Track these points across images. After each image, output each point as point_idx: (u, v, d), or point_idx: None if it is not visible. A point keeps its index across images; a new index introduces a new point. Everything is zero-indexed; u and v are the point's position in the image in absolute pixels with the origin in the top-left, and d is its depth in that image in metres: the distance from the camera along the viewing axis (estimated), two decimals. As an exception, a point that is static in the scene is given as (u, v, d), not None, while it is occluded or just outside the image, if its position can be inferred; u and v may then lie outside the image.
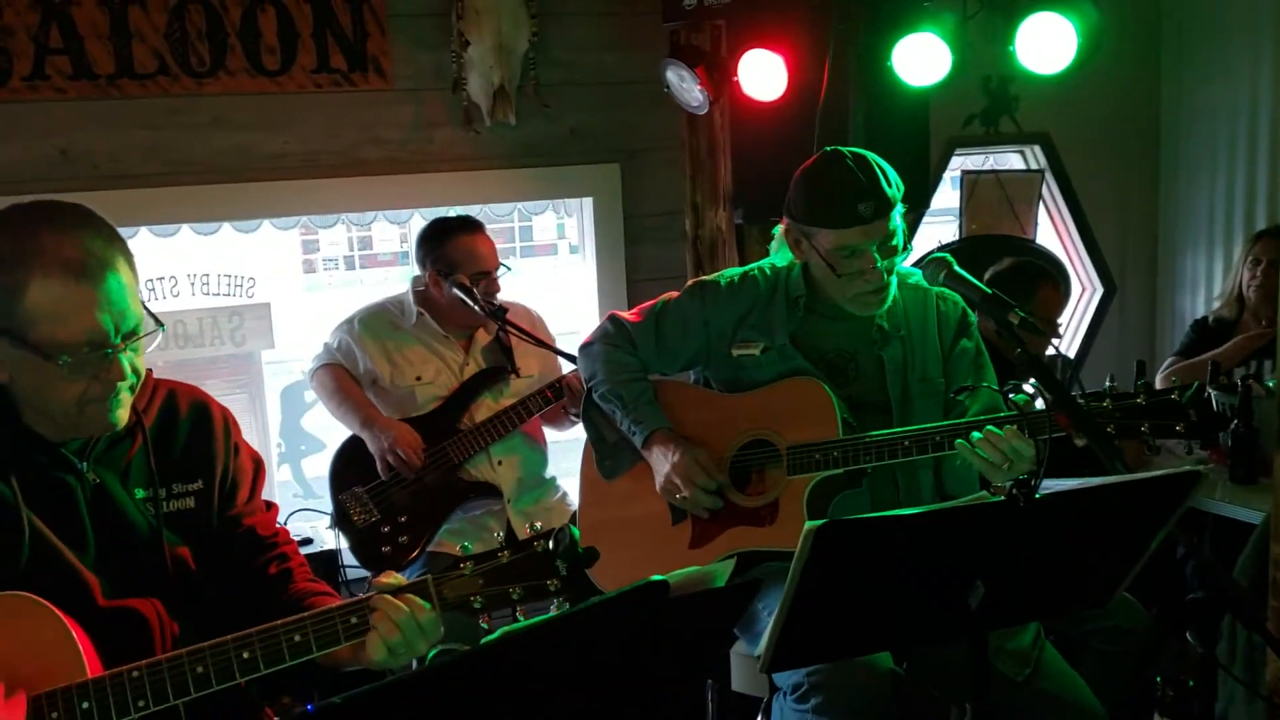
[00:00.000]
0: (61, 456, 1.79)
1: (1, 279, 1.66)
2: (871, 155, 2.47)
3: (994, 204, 4.53)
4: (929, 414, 2.54)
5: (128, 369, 1.75)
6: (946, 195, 5.00)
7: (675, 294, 2.74)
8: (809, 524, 1.56)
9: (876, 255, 2.43)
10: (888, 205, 2.42)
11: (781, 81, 3.48)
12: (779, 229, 2.63)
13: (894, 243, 2.45)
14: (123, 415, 1.80)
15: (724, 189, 3.99)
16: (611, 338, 2.74)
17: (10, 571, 1.70)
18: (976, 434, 2.27)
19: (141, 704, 1.67)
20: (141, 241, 3.77)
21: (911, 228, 3.86)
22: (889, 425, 2.51)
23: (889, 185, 2.43)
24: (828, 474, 2.46)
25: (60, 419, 1.77)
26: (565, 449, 3.78)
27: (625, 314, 2.80)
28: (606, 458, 2.76)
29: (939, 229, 5.26)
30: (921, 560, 1.67)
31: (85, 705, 1.65)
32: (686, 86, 3.65)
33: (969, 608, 1.69)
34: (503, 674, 1.20)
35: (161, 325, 1.80)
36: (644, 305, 2.78)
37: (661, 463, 2.59)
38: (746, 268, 2.72)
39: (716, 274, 2.75)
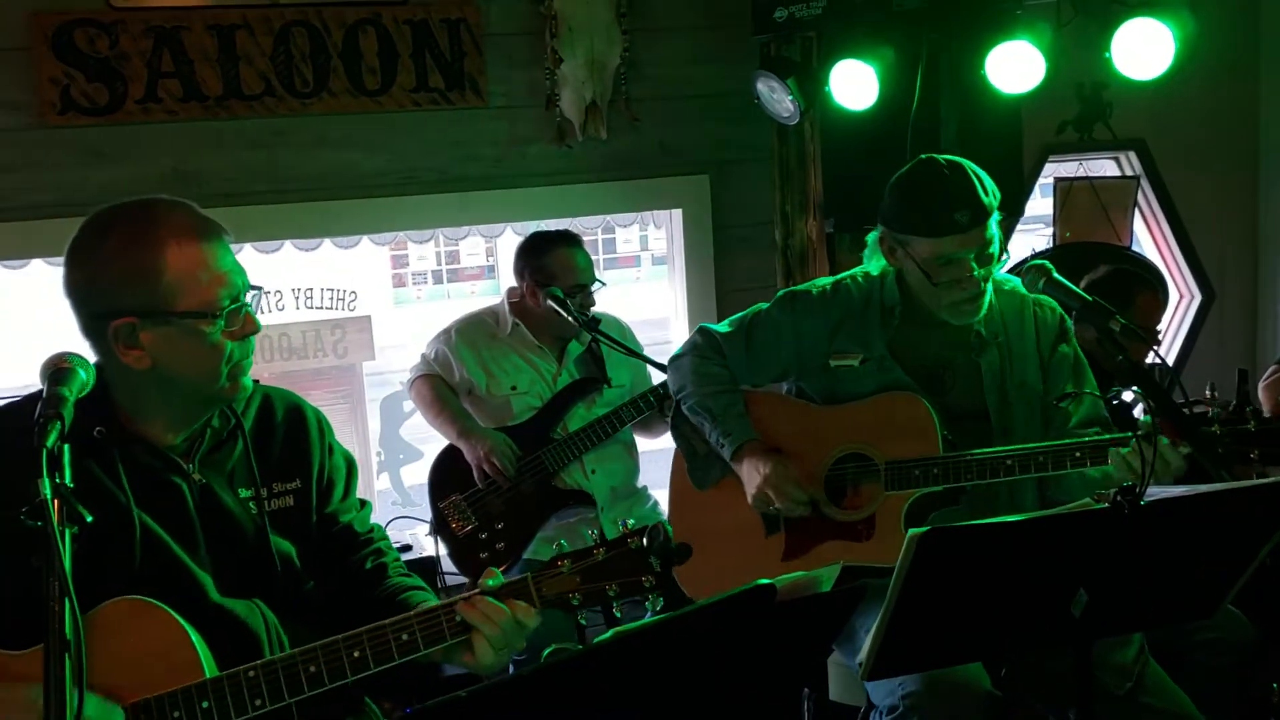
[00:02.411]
0: (169, 459, 1.86)
1: (137, 264, 1.74)
2: (967, 162, 2.45)
3: (1088, 211, 4.45)
4: (1028, 422, 2.50)
5: (259, 321, 1.85)
6: (1039, 203, 4.93)
7: (765, 305, 2.72)
8: (912, 531, 1.57)
9: (973, 264, 2.40)
10: (984, 213, 2.39)
11: (872, 91, 3.47)
12: (872, 237, 2.61)
13: (990, 251, 2.42)
14: (250, 383, 1.89)
15: (814, 198, 3.99)
16: (701, 350, 2.73)
17: (126, 572, 1.77)
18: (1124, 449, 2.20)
19: (259, 703, 1.73)
20: (247, 257, 3.90)
21: (1004, 235, 3.83)
22: (988, 433, 2.48)
23: (985, 193, 2.40)
24: (927, 490, 2.43)
25: (206, 391, 1.83)
26: (655, 459, 3.82)
27: (715, 326, 2.78)
28: (697, 469, 2.75)
29: (1032, 237, 5.19)
30: (1024, 568, 1.66)
31: (205, 704, 1.71)
32: (777, 98, 3.66)
33: (1072, 616, 1.68)
34: (613, 673, 1.23)
35: (259, 287, 1.87)
36: (734, 317, 2.77)
37: (753, 475, 2.57)
38: (838, 277, 2.70)
39: (807, 283, 2.73)
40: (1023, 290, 2.52)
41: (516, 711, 1.14)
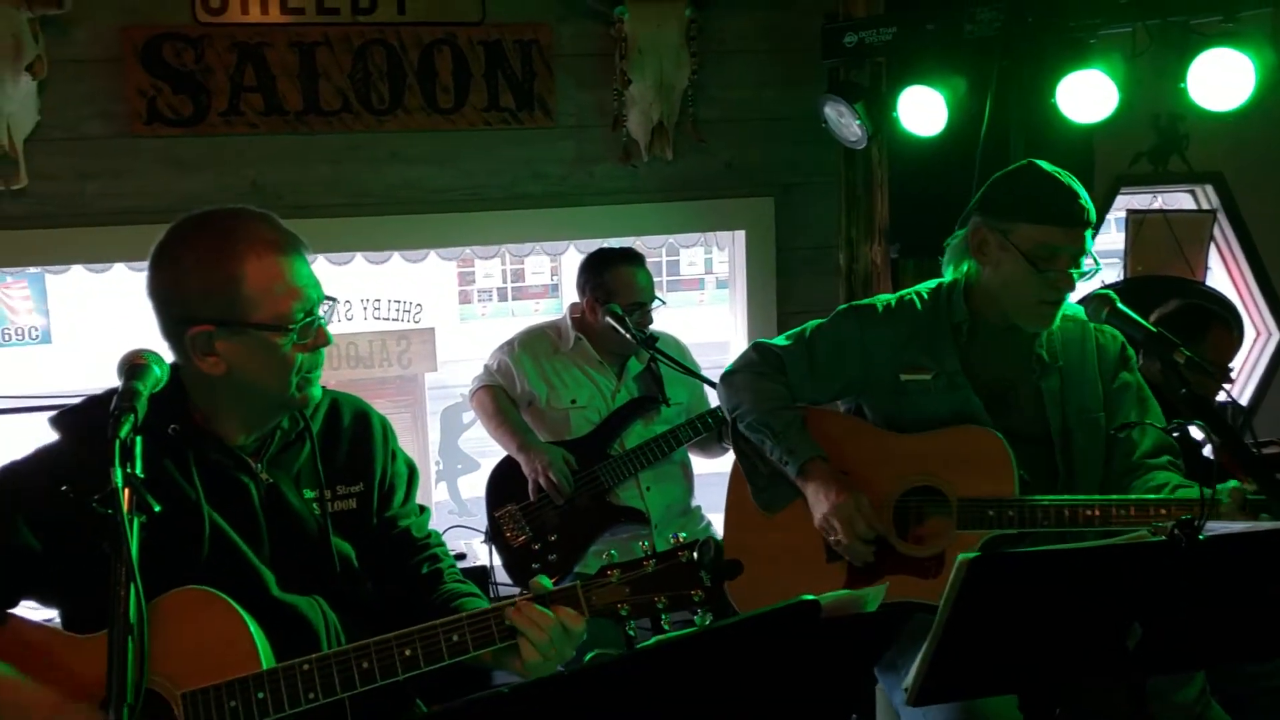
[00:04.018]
0: (239, 458, 1.91)
1: (218, 274, 1.80)
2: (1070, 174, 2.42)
3: (1161, 245, 4.38)
4: (1090, 450, 2.46)
5: (330, 334, 1.90)
6: (1110, 237, 4.86)
7: (822, 320, 2.65)
8: (962, 556, 1.56)
9: (1073, 265, 2.36)
10: (1090, 219, 2.37)
11: (941, 117, 3.47)
12: (954, 239, 2.55)
13: (1083, 259, 2.38)
14: (319, 392, 1.94)
15: (880, 223, 3.99)
16: (757, 365, 2.64)
17: (192, 565, 1.82)
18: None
19: (311, 696, 1.77)
20: (320, 268, 3.95)
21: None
22: (1049, 458, 2.43)
23: (1090, 201, 2.38)
24: (1000, 533, 2.36)
25: (277, 398, 1.89)
26: (711, 481, 3.82)
27: (770, 341, 2.71)
28: (763, 490, 2.63)
29: (1103, 272, 5.11)
30: (1076, 598, 1.64)
31: (260, 695, 1.76)
32: (845, 122, 3.67)
33: (1125, 650, 1.65)
34: (653, 681, 1.24)
35: (333, 299, 1.93)
36: (788, 334, 2.70)
37: (820, 500, 2.46)
38: (900, 293, 2.64)
39: (869, 299, 2.67)
40: (1084, 317, 2.47)
41: (556, 712, 1.16)
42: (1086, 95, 3.25)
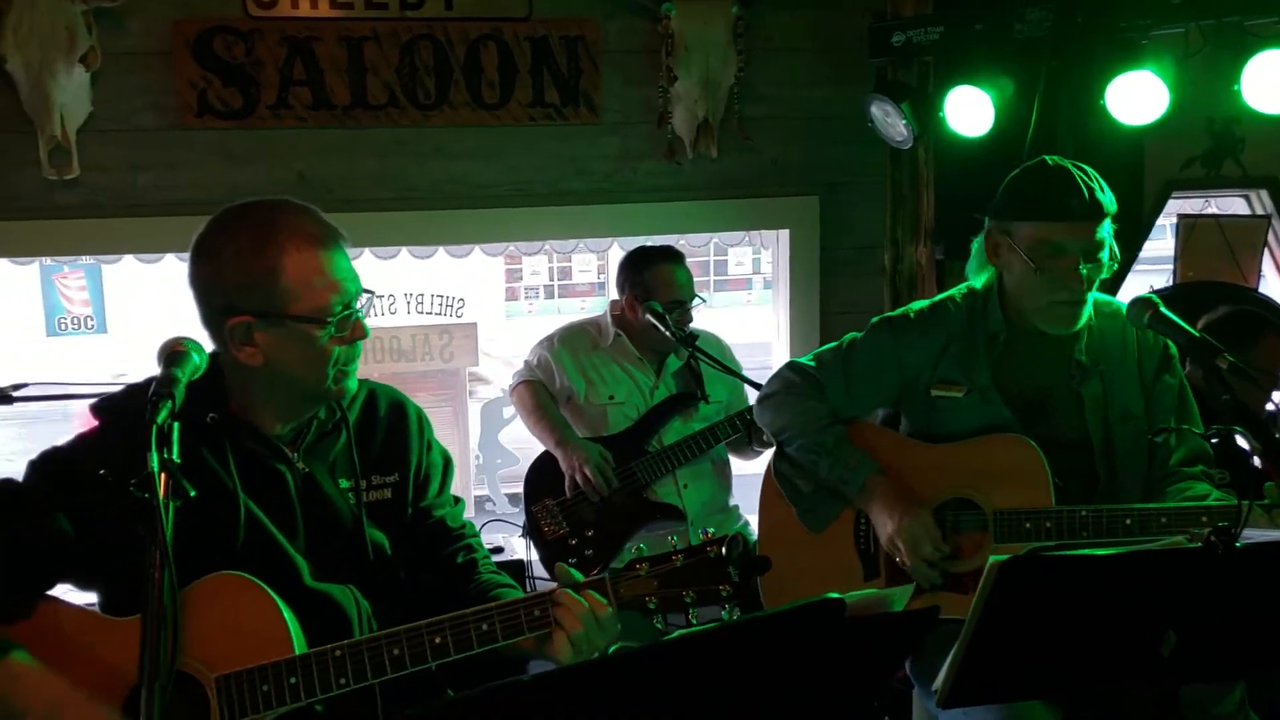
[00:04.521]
0: (276, 447, 1.94)
1: (257, 265, 1.82)
2: (1088, 167, 2.37)
3: (1213, 250, 4.31)
4: (1133, 455, 2.41)
5: (367, 327, 1.91)
6: (1160, 243, 4.78)
7: (857, 335, 2.62)
8: (993, 558, 1.55)
9: (1080, 261, 2.30)
10: (1099, 209, 2.31)
11: (988, 118, 3.43)
12: (977, 242, 2.53)
13: (1100, 255, 2.32)
14: (354, 384, 1.96)
15: (925, 224, 3.96)
16: (796, 386, 2.59)
17: (228, 552, 1.85)
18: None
19: (343, 681, 1.79)
20: (365, 262, 4.02)
21: (1120, 273, 3.72)
22: (1090, 465, 2.40)
23: (1101, 191, 2.32)
24: (1039, 546, 2.31)
25: (313, 390, 1.91)
26: (750, 482, 3.82)
27: (804, 360, 2.66)
28: (807, 510, 2.59)
29: (1152, 277, 5.03)
30: (1109, 603, 1.62)
31: (293, 680, 1.78)
32: (891, 121, 3.65)
33: (1159, 658, 1.63)
34: (675, 673, 1.24)
35: (372, 292, 1.94)
36: (822, 352, 2.66)
37: (885, 521, 2.41)
38: (935, 298, 2.61)
39: (901, 309, 2.63)
40: (1124, 312, 2.41)
41: (576, 700, 1.16)
42: (1137, 97, 3.20)
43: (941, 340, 2.51)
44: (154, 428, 1.56)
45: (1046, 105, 3.39)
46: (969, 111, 3.47)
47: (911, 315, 2.57)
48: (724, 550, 1.77)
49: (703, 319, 3.62)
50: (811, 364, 2.63)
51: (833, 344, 2.65)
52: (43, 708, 1.75)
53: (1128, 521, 2.23)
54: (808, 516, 2.59)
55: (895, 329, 2.56)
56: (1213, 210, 4.50)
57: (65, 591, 1.92)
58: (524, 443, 3.83)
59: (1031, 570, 1.58)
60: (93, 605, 1.93)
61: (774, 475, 2.65)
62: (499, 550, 3.77)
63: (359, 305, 1.89)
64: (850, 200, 4.08)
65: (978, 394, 2.45)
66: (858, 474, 2.47)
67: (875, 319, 2.64)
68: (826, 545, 2.55)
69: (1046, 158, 2.43)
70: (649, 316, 3.40)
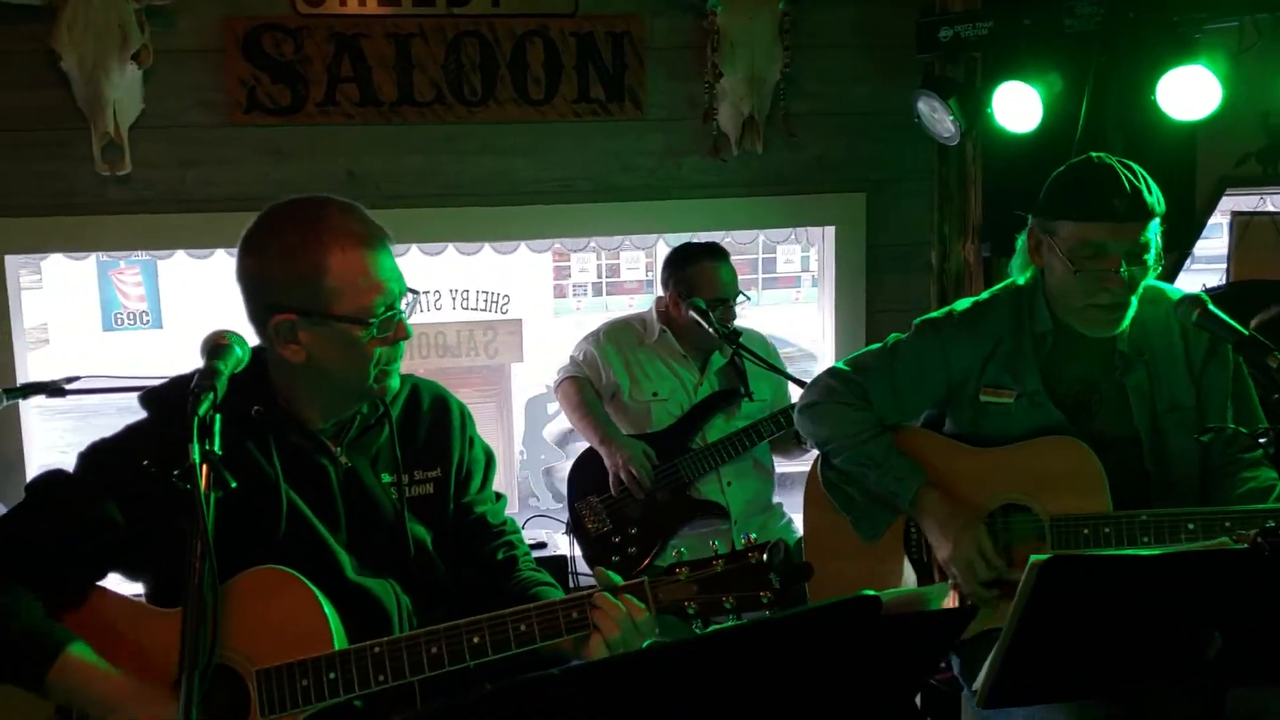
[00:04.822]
0: (319, 441, 1.95)
1: (302, 264, 1.83)
2: (1136, 165, 2.30)
3: (1268, 248, 4.22)
4: (1185, 449, 2.34)
5: (410, 328, 1.92)
6: (1213, 241, 4.69)
7: (901, 336, 2.56)
8: (1034, 557, 1.53)
9: (1123, 263, 2.24)
10: (1144, 210, 2.23)
11: (1036, 114, 3.39)
12: (1021, 239, 2.49)
13: (1145, 257, 2.25)
14: (396, 383, 1.97)
15: (973, 221, 3.92)
16: (839, 394, 2.53)
17: (269, 544, 1.87)
18: None
19: (381, 678, 1.80)
20: (412, 259, 4.06)
21: (1172, 271, 3.65)
22: (1138, 460, 2.34)
23: (1148, 191, 2.25)
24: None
25: (354, 388, 1.93)
26: (792, 480, 3.80)
27: (844, 367, 2.60)
28: (861, 519, 2.53)
29: (1205, 276, 4.94)
30: (1152, 605, 1.59)
31: (332, 675, 1.79)
32: (938, 117, 3.61)
33: (1203, 660, 1.60)
34: (707, 668, 1.24)
35: (418, 291, 1.95)
36: (863, 356, 2.60)
37: (942, 543, 2.36)
38: (978, 297, 2.55)
39: (946, 309, 2.57)
40: (1172, 296, 2.35)
41: (608, 695, 1.16)
42: (1189, 92, 3.14)
43: (989, 341, 2.45)
44: (196, 420, 1.58)
45: (1096, 101, 3.34)
46: (1017, 107, 3.43)
47: (956, 316, 2.51)
48: (765, 556, 1.75)
49: (750, 317, 3.61)
50: (851, 370, 2.57)
51: (873, 347, 2.60)
52: (104, 702, 1.78)
53: (1190, 526, 2.16)
54: (861, 524, 2.53)
55: (941, 331, 2.50)
56: (1268, 208, 4.41)
57: (116, 583, 1.95)
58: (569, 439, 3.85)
59: (1072, 570, 1.56)
60: (140, 596, 1.96)
61: (823, 484, 2.59)
62: (542, 546, 3.78)
63: (402, 305, 1.90)
64: (897, 197, 4.04)
65: (1028, 399, 2.40)
66: (907, 487, 2.42)
67: (918, 320, 2.58)
68: (876, 553, 2.49)
69: (1092, 154, 2.37)
70: (693, 313, 3.39)
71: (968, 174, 3.90)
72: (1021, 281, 2.49)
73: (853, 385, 2.53)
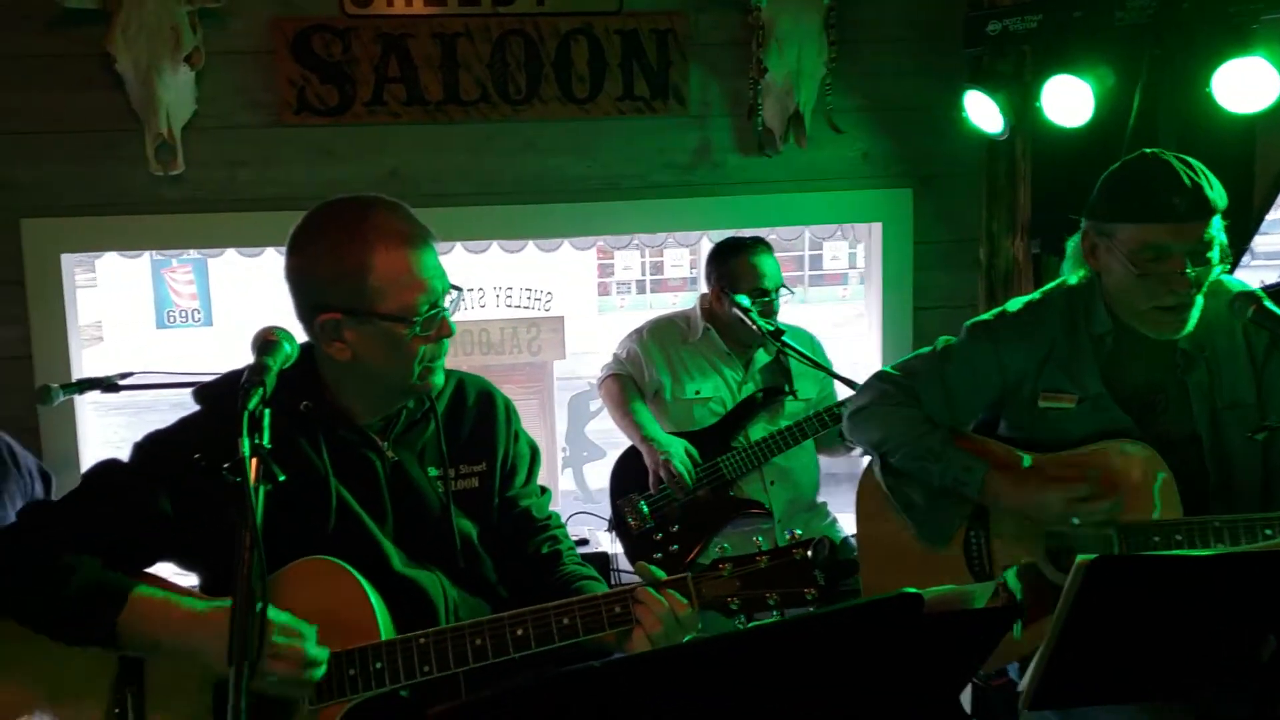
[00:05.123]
0: (367, 436, 1.97)
1: (348, 262, 1.85)
2: (1194, 160, 2.23)
3: (1329, 243, 4.13)
4: (1245, 448, 2.27)
5: (453, 325, 1.94)
6: (1272, 238, 4.60)
7: (952, 339, 2.51)
8: (1080, 557, 1.51)
9: (1188, 263, 2.17)
10: (1206, 207, 2.16)
11: (1087, 108, 3.34)
12: (1072, 241, 2.41)
13: (1209, 255, 2.18)
14: (441, 379, 1.98)
15: (1022, 217, 3.88)
16: (891, 397, 2.49)
17: (319, 536, 1.89)
18: None
19: (426, 669, 1.82)
20: (455, 256, 4.09)
21: (1231, 267, 3.57)
22: (1200, 462, 2.29)
23: (1209, 187, 2.18)
24: None
25: (399, 385, 1.95)
26: (835, 480, 3.78)
27: (894, 372, 2.55)
28: (924, 523, 2.47)
29: (1263, 273, 4.84)
30: (1203, 606, 1.56)
31: (379, 665, 1.82)
32: (986, 112, 3.58)
33: (1256, 665, 1.57)
34: (746, 663, 1.24)
35: (461, 289, 1.96)
36: (912, 360, 2.56)
37: (1029, 505, 2.31)
38: (1029, 298, 2.48)
39: (997, 310, 2.51)
40: (1233, 289, 2.28)
41: (649, 688, 1.17)
42: (1246, 84, 3.08)
43: (1045, 344, 2.38)
44: (246, 414, 1.61)
45: (1149, 95, 3.28)
46: (1067, 102, 3.38)
47: (1009, 317, 2.45)
48: (810, 553, 1.75)
49: (797, 315, 3.59)
50: (901, 374, 2.52)
51: (923, 350, 2.55)
52: (178, 631, 1.80)
53: (1268, 531, 2.09)
54: (925, 528, 2.48)
55: (994, 333, 2.44)
56: (1329, 203, 4.31)
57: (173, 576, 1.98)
58: (610, 436, 3.85)
59: (1120, 570, 1.53)
60: (195, 587, 1.99)
61: (885, 489, 2.53)
62: (584, 542, 3.79)
63: (446, 303, 1.92)
64: (944, 193, 4.00)
65: (1090, 402, 2.34)
66: (974, 474, 2.36)
67: (969, 323, 2.52)
68: (936, 563, 2.43)
69: (1146, 150, 2.30)
70: (736, 310, 3.38)
71: (1017, 169, 3.86)
72: (1074, 281, 2.43)
73: (902, 387, 2.49)
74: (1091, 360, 2.35)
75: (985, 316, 2.52)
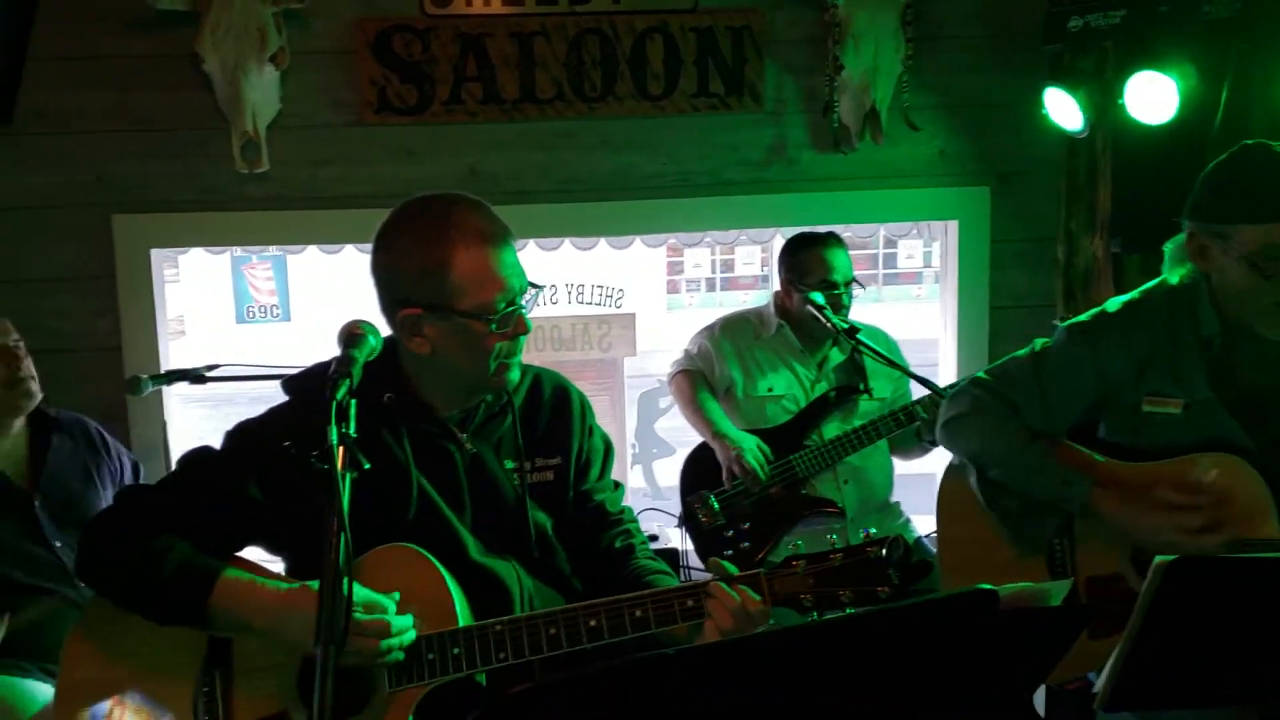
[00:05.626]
0: (447, 428, 2.02)
1: (430, 259, 1.89)
2: None
3: None
4: None
5: (529, 322, 1.97)
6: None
7: (1047, 342, 2.44)
8: (1159, 558, 1.49)
9: None
10: None
11: (1171, 104, 3.27)
12: (1171, 244, 2.36)
13: None
14: (516, 375, 2.02)
15: (1102, 216, 3.81)
16: (987, 405, 2.42)
17: (400, 524, 1.94)
18: None
19: (502, 656, 1.85)
20: (529, 253, 4.13)
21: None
22: None
23: None
24: None
25: (475, 380, 1.99)
26: (910, 483, 3.75)
27: (988, 378, 2.48)
28: (1019, 531, 2.42)
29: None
30: (1286, 610, 1.54)
31: (456, 651, 1.86)
32: (1066, 109, 3.53)
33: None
34: (818, 656, 1.24)
35: (539, 286, 1.99)
36: (1006, 365, 2.49)
37: (1134, 525, 2.25)
38: (1127, 297, 2.38)
39: (1092, 311, 2.42)
40: None
41: (719, 678, 1.18)
42: (1338, 79, 3.00)
43: (1145, 347, 2.30)
44: (333, 404, 1.65)
45: (1235, 91, 3.21)
46: (1151, 98, 3.32)
47: (1108, 318, 2.37)
48: (885, 551, 1.74)
49: (870, 314, 3.56)
50: (995, 380, 2.46)
51: (1018, 354, 2.48)
52: (268, 611, 1.86)
53: None
54: (1020, 537, 2.42)
55: (1092, 335, 2.36)
56: None
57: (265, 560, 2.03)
58: (681, 433, 3.87)
59: (1200, 572, 1.51)
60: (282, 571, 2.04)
61: (981, 500, 2.46)
62: (654, 538, 3.81)
63: (524, 301, 1.95)
64: (1023, 191, 3.96)
65: (1198, 407, 2.25)
66: (1078, 490, 2.31)
67: (1065, 324, 2.44)
68: (1018, 567, 2.39)
69: (1249, 143, 2.22)
70: (809, 307, 3.37)
71: (1097, 167, 3.79)
72: (1175, 280, 2.34)
73: (999, 395, 2.43)
74: (1199, 363, 2.26)
75: (1082, 318, 2.44)
